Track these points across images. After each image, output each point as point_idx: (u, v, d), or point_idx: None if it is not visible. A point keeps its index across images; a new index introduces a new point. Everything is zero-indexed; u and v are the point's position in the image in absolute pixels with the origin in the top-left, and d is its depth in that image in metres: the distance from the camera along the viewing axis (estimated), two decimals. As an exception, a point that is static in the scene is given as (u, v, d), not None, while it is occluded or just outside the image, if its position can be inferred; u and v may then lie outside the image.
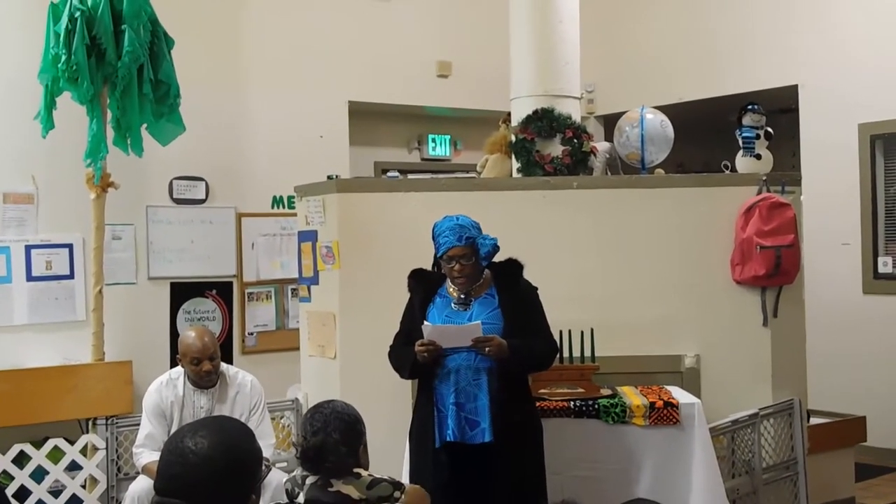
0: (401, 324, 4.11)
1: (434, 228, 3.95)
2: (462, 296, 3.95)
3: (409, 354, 3.89)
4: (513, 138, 5.52)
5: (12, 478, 5.17)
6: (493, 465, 3.79)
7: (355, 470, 2.78)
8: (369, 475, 2.77)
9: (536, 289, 4.03)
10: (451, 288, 4.00)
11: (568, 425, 4.38)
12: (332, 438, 2.79)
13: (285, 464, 5.01)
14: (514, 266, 4.01)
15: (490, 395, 3.81)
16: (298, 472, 2.84)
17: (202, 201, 6.98)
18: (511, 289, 3.96)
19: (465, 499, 3.77)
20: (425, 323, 3.86)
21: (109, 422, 5.31)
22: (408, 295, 4.12)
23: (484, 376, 3.83)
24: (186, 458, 1.97)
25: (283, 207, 7.26)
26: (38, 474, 5.27)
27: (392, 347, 4.10)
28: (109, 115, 5.76)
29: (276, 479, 4.67)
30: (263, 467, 2.11)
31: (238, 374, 4.90)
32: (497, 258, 3.99)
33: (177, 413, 4.73)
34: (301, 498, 2.77)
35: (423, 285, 4.06)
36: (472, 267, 3.89)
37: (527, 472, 3.85)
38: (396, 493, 2.78)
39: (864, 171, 7.31)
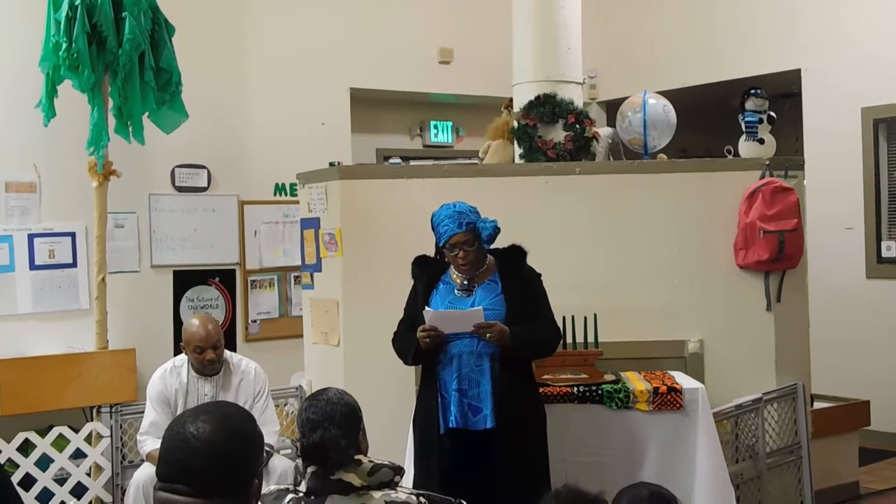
0: (404, 310, 4.12)
1: (433, 218, 3.95)
2: (465, 282, 3.95)
3: (411, 340, 3.89)
4: (515, 124, 5.51)
5: (17, 466, 5.18)
6: (496, 451, 3.79)
7: (356, 457, 2.77)
8: (370, 461, 2.76)
9: (540, 275, 4.03)
10: (454, 274, 4.00)
11: (571, 411, 4.39)
12: (331, 434, 2.77)
13: (289, 451, 5.02)
14: (517, 252, 4.00)
15: (493, 381, 3.82)
16: (300, 460, 2.83)
17: (204, 189, 6.97)
18: (514, 275, 3.96)
19: (468, 485, 3.77)
20: (427, 308, 3.87)
21: (114, 409, 5.32)
22: (411, 281, 4.12)
23: (486, 362, 3.83)
24: (188, 443, 1.97)
25: (286, 195, 7.25)
26: (43, 462, 5.28)
27: (396, 334, 4.11)
28: (111, 103, 5.75)
29: (280, 466, 4.69)
30: (265, 452, 2.11)
31: (242, 361, 4.91)
32: (500, 244, 3.99)
33: (181, 400, 4.74)
34: (303, 485, 2.77)
35: (427, 272, 4.07)
36: (476, 252, 3.89)
37: (530, 458, 3.86)
38: (397, 478, 2.78)
39: (868, 155, 7.30)
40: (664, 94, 5.70)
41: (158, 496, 2.00)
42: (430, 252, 4.13)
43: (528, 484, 3.76)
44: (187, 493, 1.96)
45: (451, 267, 4.00)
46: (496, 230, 3.91)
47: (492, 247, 3.98)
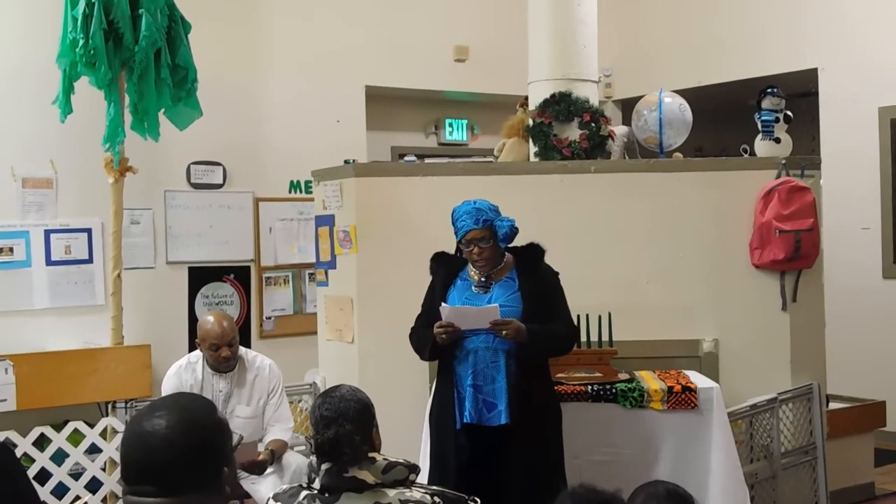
0: (422, 305, 4.12)
1: (453, 214, 3.97)
2: (483, 279, 3.96)
3: (428, 336, 3.90)
4: (530, 122, 5.50)
5: (33, 460, 5.20)
6: (511, 447, 3.80)
7: (370, 455, 2.77)
8: (384, 459, 2.76)
9: (557, 273, 4.02)
10: (472, 271, 4.01)
11: (585, 409, 4.38)
12: (346, 429, 2.77)
13: (303, 447, 5.03)
14: (535, 250, 4.01)
15: (508, 377, 3.82)
16: (314, 457, 2.84)
17: (220, 186, 6.99)
18: (531, 273, 3.97)
19: (484, 480, 3.77)
20: (443, 304, 3.87)
21: (129, 405, 5.33)
22: (425, 278, 4.13)
23: (502, 358, 3.84)
24: (145, 441, 1.88)
25: (301, 192, 7.27)
26: (59, 457, 5.30)
27: (413, 329, 4.11)
28: (127, 99, 5.78)
29: (294, 462, 4.70)
30: (235, 437, 2.03)
31: (256, 357, 4.91)
32: (518, 243, 3.99)
33: (195, 397, 4.74)
34: (317, 483, 2.77)
35: (445, 268, 4.08)
36: (491, 250, 3.90)
37: (545, 453, 3.86)
38: (412, 476, 2.78)
39: (885, 155, 7.26)
40: (680, 92, 5.68)
41: (126, 500, 1.89)
42: (446, 249, 4.14)
43: (543, 479, 3.76)
44: (155, 494, 1.86)
45: (470, 263, 4.01)
46: (513, 229, 3.90)
47: (511, 245, 3.98)
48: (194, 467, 1.89)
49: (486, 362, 3.85)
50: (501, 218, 3.91)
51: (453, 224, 3.94)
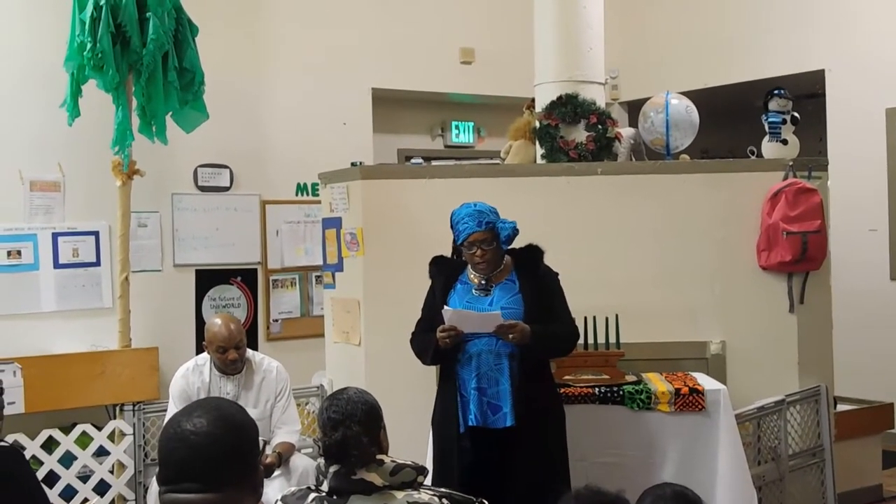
0: (422, 310, 4.12)
1: (452, 216, 3.96)
2: (483, 281, 3.96)
3: (430, 340, 3.91)
4: (537, 124, 5.50)
5: (41, 463, 5.22)
6: (516, 449, 3.80)
7: (378, 457, 2.78)
8: (392, 461, 2.76)
9: (557, 274, 4.03)
10: (471, 274, 4.01)
11: (592, 411, 4.38)
12: (353, 431, 2.78)
13: (311, 449, 5.03)
14: (534, 251, 4.01)
15: (511, 379, 3.83)
16: (321, 460, 2.84)
17: (227, 189, 7.00)
18: (531, 274, 3.97)
19: (488, 483, 3.77)
20: (445, 307, 3.87)
21: (136, 408, 5.35)
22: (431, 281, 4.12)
23: (505, 361, 3.85)
24: (188, 440, 1.94)
25: (308, 195, 7.27)
26: (67, 460, 5.32)
27: (414, 334, 4.12)
28: (135, 102, 5.79)
29: (301, 465, 4.71)
30: (260, 441, 2.11)
31: (264, 360, 4.92)
32: (518, 244, 3.99)
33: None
34: (325, 485, 2.78)
35: (444, 272, 4.08)
36: (494, 252, 3.90)
37: (549, 455, 3.87)
38: (420, 478, 2.78)
39: (892, 156, 7.24)
40: (687, 94, 5.68)
41: (167, 499, 1.95)
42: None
43: (548, 481, 3.76)
44: (197, 490, 1.93)
45: (469, 267, 4.01)
46: (515, 231, 3.92)
47: (510, 247, 3.98)
48: (235, 463, 1.97)
49: (490, 365, 3.86)
50: (503, 220, 3.92)
51: (453, 227, 3.94)
